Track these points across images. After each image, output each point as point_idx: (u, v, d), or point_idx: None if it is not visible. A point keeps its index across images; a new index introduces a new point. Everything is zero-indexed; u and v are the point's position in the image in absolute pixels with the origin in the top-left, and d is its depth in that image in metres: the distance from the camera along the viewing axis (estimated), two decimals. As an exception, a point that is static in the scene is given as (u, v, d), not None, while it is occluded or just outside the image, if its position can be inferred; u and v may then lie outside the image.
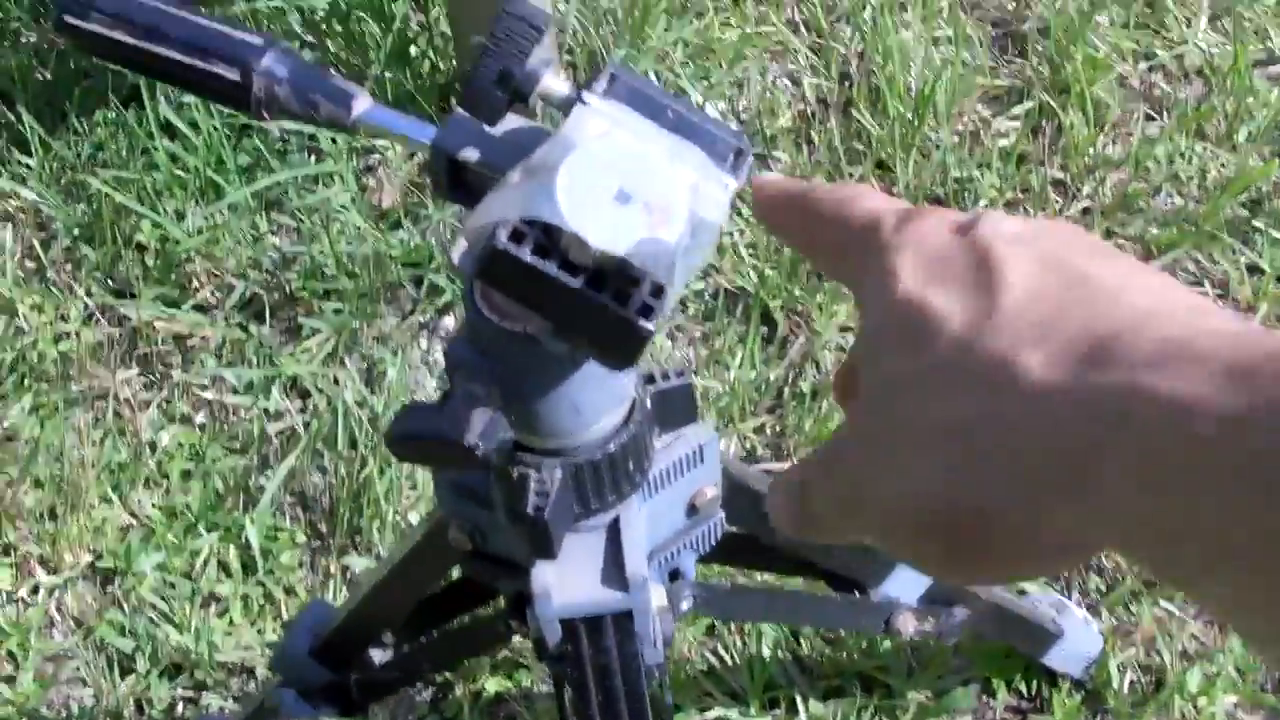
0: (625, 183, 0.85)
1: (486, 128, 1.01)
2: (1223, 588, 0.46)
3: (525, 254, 0.84)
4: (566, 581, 1.20)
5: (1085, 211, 2.73)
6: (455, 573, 1.66)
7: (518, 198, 0.86)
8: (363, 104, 1.08)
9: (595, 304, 0.85)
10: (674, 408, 1.22)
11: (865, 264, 0.62)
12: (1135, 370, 0.48)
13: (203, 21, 1.10)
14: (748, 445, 2.46)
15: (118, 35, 1.09)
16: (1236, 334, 0.47)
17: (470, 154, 1.02)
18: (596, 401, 1.08)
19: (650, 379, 1.20)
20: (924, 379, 0.55)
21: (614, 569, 1.20)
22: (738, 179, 0.92)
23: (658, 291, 0.85)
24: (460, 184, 1.04)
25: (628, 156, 0.87)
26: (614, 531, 1.20)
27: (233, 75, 1.07)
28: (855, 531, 0.61)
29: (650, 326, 0.85)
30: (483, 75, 0.96)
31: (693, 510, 1.31)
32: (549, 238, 0.85)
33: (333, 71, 1.10)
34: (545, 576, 1.20)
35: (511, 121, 1.02)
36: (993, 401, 0.52)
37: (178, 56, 1.08)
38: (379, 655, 1.80)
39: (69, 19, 1.10)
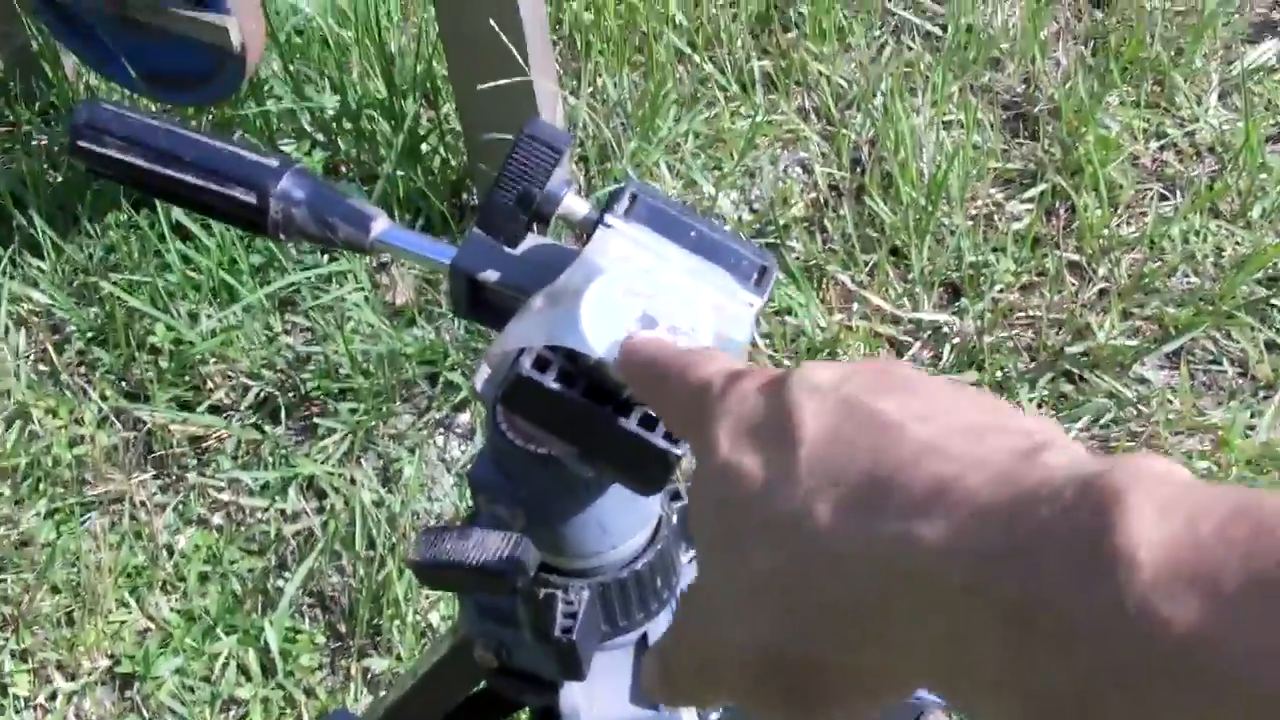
0: (649, 306, 0.84)
1: (506, 248, 1.00)
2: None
3: (550, 381, 0.83)
4: (596, 701, 1.18)
5: (1102, 293, 2.72)
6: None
7: (541, 324, 0.85)
8: (381, 225, 1.07)
9: (622, 431, 0.84)
10: (700, 521, 1.20)
11: (695, 435, 0.63)
12: (907, 517, 0.49)
13: (218, 144, 1.09)
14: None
15: (132, 159, 1.08)
16: (998, 474, 0.48)
17: (490, 275, 1.01)
18: (623, 522, 1.06)
19: (676, 495, 1.18)
20: (739, 538, 0.56)
21: (650, 700, 1.18)
22: (762, 296, 0.91)
23: None
24: (480, 303, 1.03)
25: (651, 280, 0.86)
26: (642, 648, 1.17)
27: (249, 199, 1.06)
28: (712, 692, 0.63)
29: (678, 452, 0.84)
30: (502, 197, 0.95)
31: (720, 623, 1.29)
32: (574, 364, 0.83)
33: (351, 193, 1.09)
34: (574, 696, 1.18)
35: (530, 239, 1.00)
36: (794, 554, 0.53)
37: (193, 180, 1.07)
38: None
39: (83, 144, 1.09)
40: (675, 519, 1.15)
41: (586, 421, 0.84)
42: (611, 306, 0.83)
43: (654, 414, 0.83)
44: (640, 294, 0.84)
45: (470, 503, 1.05)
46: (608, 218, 0.91)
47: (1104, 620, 0.41)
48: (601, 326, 0.82)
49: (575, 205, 0.96)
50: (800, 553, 0.53)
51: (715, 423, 0.61)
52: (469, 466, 1.07)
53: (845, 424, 0.55)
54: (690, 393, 0.66)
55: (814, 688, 0.55)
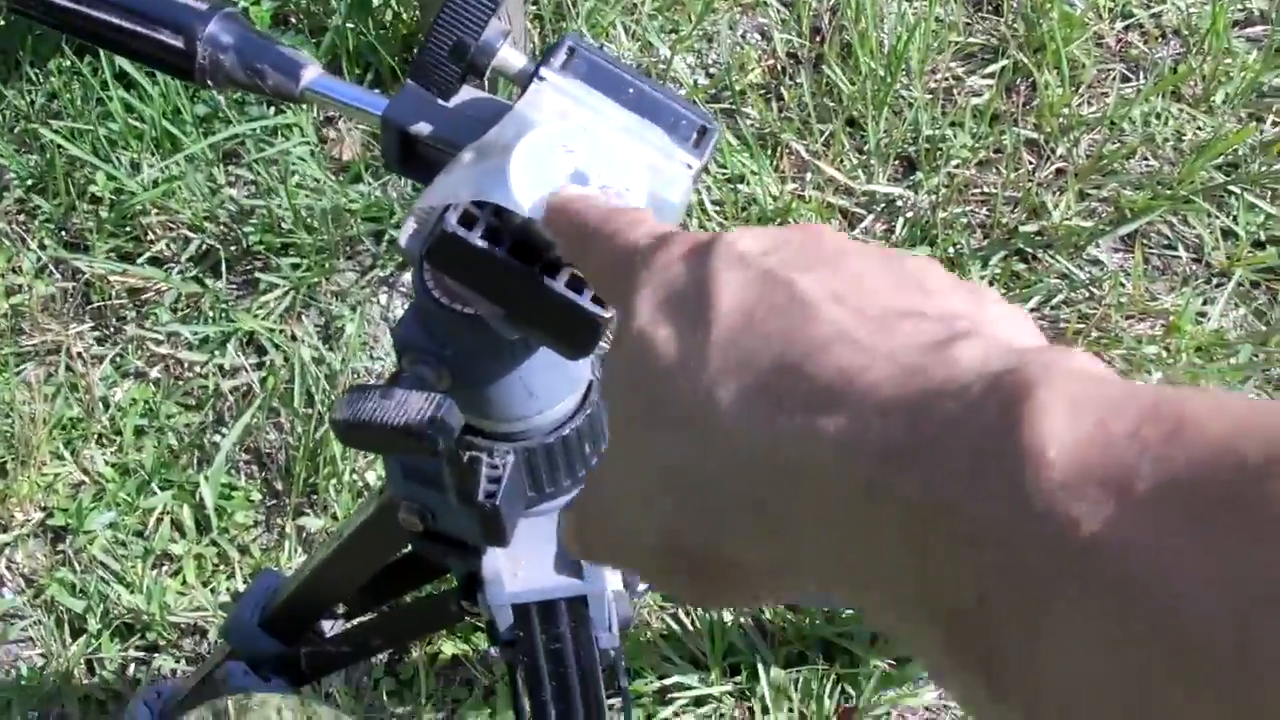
0: (581, 163, 0.80)
1: (440, 100, 0.96)
2: (906, 631, 0.45)
3: (476, 238, 0.80)
4: (519, 567, 1.17)
5: (1059, 173, 2.69)
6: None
7: (469, 178, 0.81)
8: (311, 74, 1.03)
9: (549, 292, 0.81)
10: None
11: (617, 300, 0.61)
12: (810, 410, 0.47)
13: None
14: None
15: (60, 0, 1.04)
16: (906, 367, 0.45)
17: (422, 128, 0.97)
18: (550, 386, 1.04)
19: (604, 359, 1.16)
20: (646, 416, 0.54)
21: (568, 554, 1.17)
22: (701, 158, 0.88)
23: None
24: (412, 157, 1.00)
25: (585, 137, 0.83)
26: (570, 515, 1.16)
27: (176, 42, 1.02)
28: (622, 561, 0.62)
29: (607, 315, 0.81)
30: (436, 46, 0.91)
31: (650, 491, 1.28)
32: (501, 221, 0.80)
33: (281, 40, 1.05)
34: (497, 562, 1.16)
35: (466, 94, 0.97)
36: (694, 441, 0.51)
37: (119, 22, 1.03)
38: (330, 626, 1.77)
39: (6, -19, 1.05)
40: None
41: (512, 281, 0.81)
42: (542, 162, 0.80)
43: (581, 275, 0.80)
44: (573, 150, 0.81)
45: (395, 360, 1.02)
46: (543, 70, 0.88)
47: (1008, 521, 0.39)
48: (530, 182, 0.79)
49: (511, 58, 0.93)
50: (701, 442, 0.51)
51: (637, 289, 0.58)
52: (395, 324, 1.04)
53: (761, 301, 0.52)
54: (615, 255, 0.63)
55: (714, 574, 0.54)
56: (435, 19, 0.91)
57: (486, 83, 0.96)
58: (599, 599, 1.20)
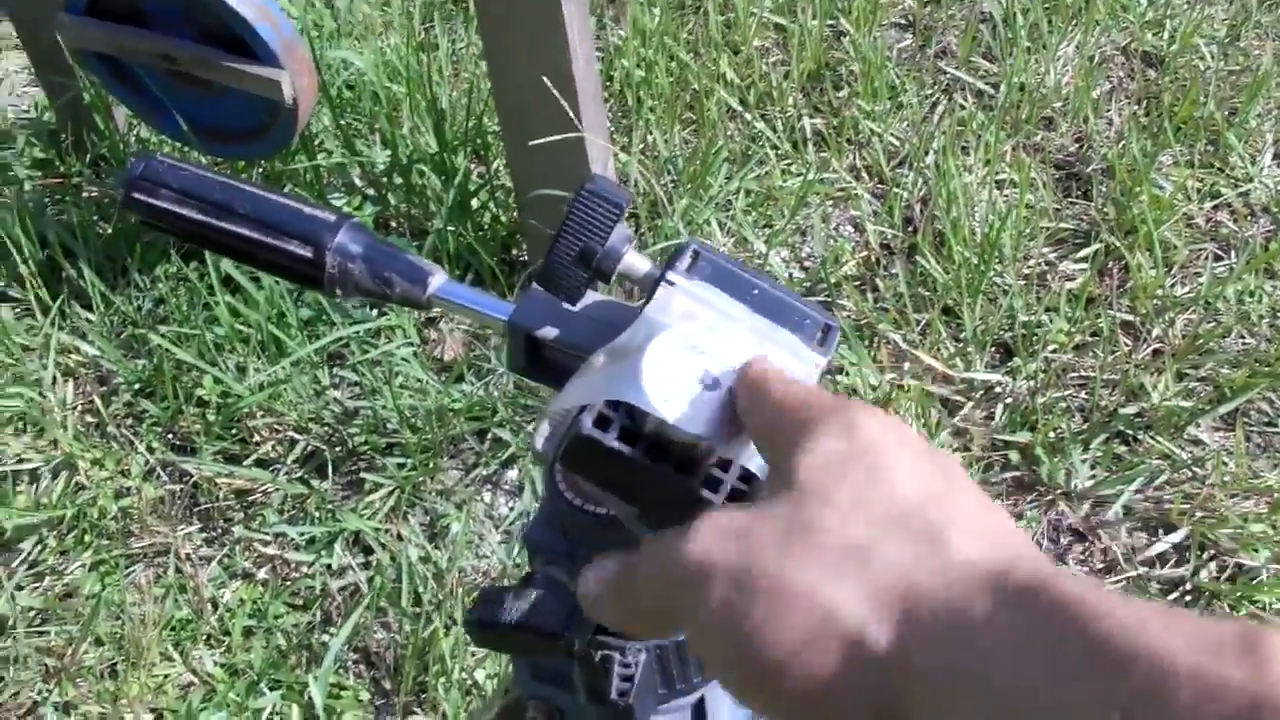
0: (711, 365, 0.82)
1: (565, 305, 0.98)
2: None
3: (611, 439, 0.81)
4: (650, 763, 1.17)
5: (1156, 354, 2.69)
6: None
7: (602, 381, 0.83)
8: (438, 281, 1.05)
9: (684, 491, 0.82)
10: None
11: (776, 453, 0.70)
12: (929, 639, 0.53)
13: (274, 197, 1.07)
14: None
15: (187, 212, 1.07)
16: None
17: (549, 332, 0.99)
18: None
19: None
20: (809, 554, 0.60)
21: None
22: (826, 356, 0.89)
23: (747, 477, 0.82)
24: (538, 361, 1.02)
25: (714, 338, 0.84)
26: (699, 711, 1.16)
27: (306, 253, 1.05)
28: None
29: None
30: (562, 254, 0.93)
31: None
32: (635, 422, 0.82)
33: (406, 248, 1.07)
34: (628, 759, 1.16)
35: (590, 296, 0.99)
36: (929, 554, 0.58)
37: (249, 233, 1.06)
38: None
39: (137, 195, 1.08)
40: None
41: (647, 481, 0.82)
42: (673, 364, 0.81)
43: (718, 472, 0.81)
44: (703, 352, 0.82)
45: (527, 564, 1.03)
46: (670, 275, 0.90)
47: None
48: (663, 384, 0.80)
49: (636, 262, 0.95)
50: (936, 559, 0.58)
51: (798, 448, 0.67)
52: (524, 527, 1.05)
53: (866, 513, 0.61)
54: (783, 413, 0.72)
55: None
56: (561, 226, 0.93)
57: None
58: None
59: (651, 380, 0.80)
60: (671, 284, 0.89)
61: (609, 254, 0.94)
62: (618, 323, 0.90)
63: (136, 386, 2.79)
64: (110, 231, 3.01)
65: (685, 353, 0.82)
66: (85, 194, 3.15)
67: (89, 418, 2.79)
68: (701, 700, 1.15)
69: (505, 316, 1.01)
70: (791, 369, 0.87)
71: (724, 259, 0.91)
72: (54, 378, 2.82)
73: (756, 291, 0.90)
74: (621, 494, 0.86)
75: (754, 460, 0.81)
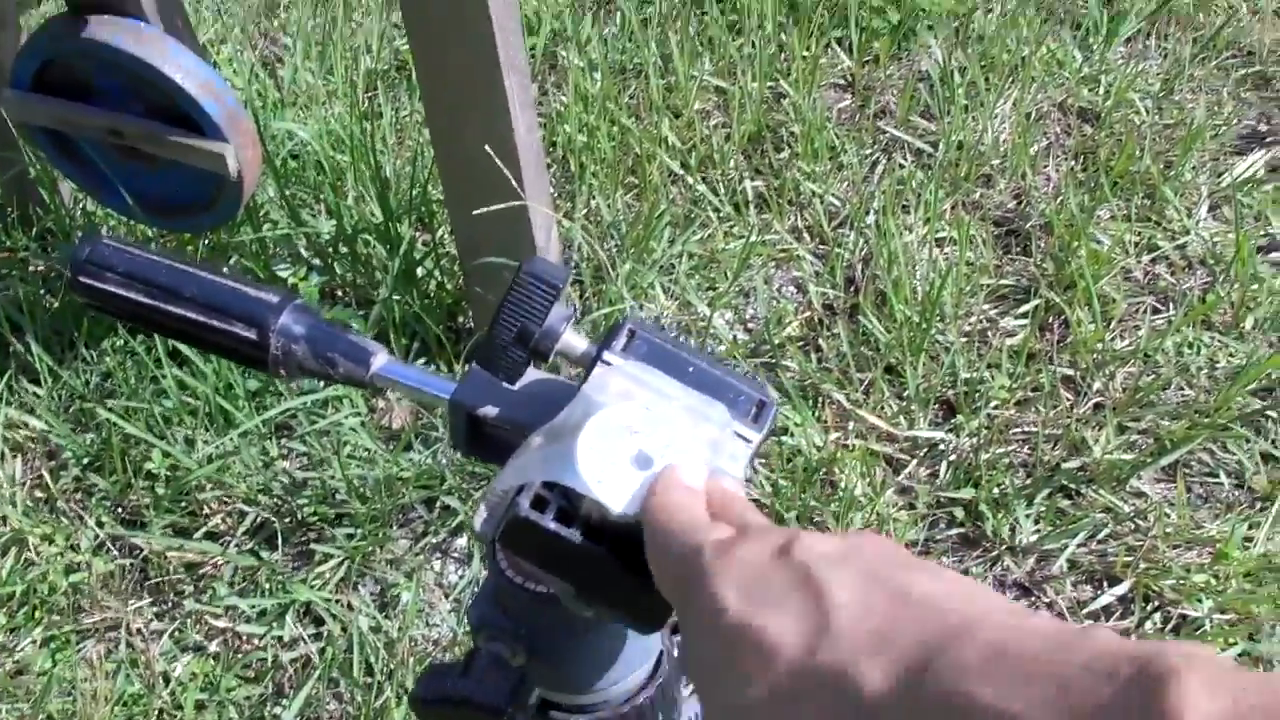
0: (644, 444, 0.83)
1: (505, 384, 1.00)
2: None
3: (548, 521, 0.83)
4: (596, 834, 1.18)
5: (1097, 408, 2.72)
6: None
7: (538, 461, 0.85)
8: (380, 360, 1.07)
9: (619, 573, 0.84)
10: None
11: (687, 593, 0.69)
12: (959, 679, 0.54)
13: (218, 280, 1.09)
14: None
15: (133, 295, 1.08)
16: (1055, 642, 0.53)
17: (489, 410, 1.01)
18: (625, 659, 1.06)
19: (676, 629, 1.18)
20: (771, 700, 0.61)
21: None
22: (760, 432, 0.91)
23: None
24: (479, 438, 1.03)
25: (648, 417, 0.86)
26: (644, 781, 1.17)
27: (250, 334, 1.06)
28: None
29: None
30: (501, 334, 0.95)
31: (722, 751, 1.29)
32: (571, 503, 0.83)
33: (350, 327, 1.09)
34: (575, 830, 1.17)
35: (530, 374, 1.00)
36: (839, 709, 0.58)
37: (194, 316, 1.07)
38: None
39: (84, 279, 1.09)
40: (676, 652, 1.15)
41: (584, 562, 0.84)
42: (607, 444, 0.83)
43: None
44: (637, 431, 0.84)
45: (470, 639, 1.04)
46: (606, 354, 0.91)
47: None
48: (598, 465, 0.82)
49: (574, 341, 0.97)
50: (848, 707, 0.57)
51: (714, 580, 0.66)
52: (469, 604, 1.06)
53: (876, 593, 0.61)
54: (683, 552, 0.71)
55: None
56: (500, 308, 0.94)
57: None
58: None
59: (586, 462, 0.82)
60: (608, 363, 0.91)
61: (547, 334, 0.95)
62: (557, 400, 0.91)
63: (85, 461, 2.79)
64: (57, 305, 3.01)
65: (620, 433, 0.84)
66: (31, 268, 3.15)
67: (38, 493, 2.78)
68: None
69: (447, 395, 1.03)
70: (723, 444, 0.89)
71: (660, 336, 0.93)
72: (1, 453, 2.81)
73: (692, 369, 0.92)
74: (559, 573, 0.87)
75: None
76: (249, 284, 1.09)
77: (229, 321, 1.07)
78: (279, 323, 1.06)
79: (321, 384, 2.77)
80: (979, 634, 0.55)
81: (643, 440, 0.84)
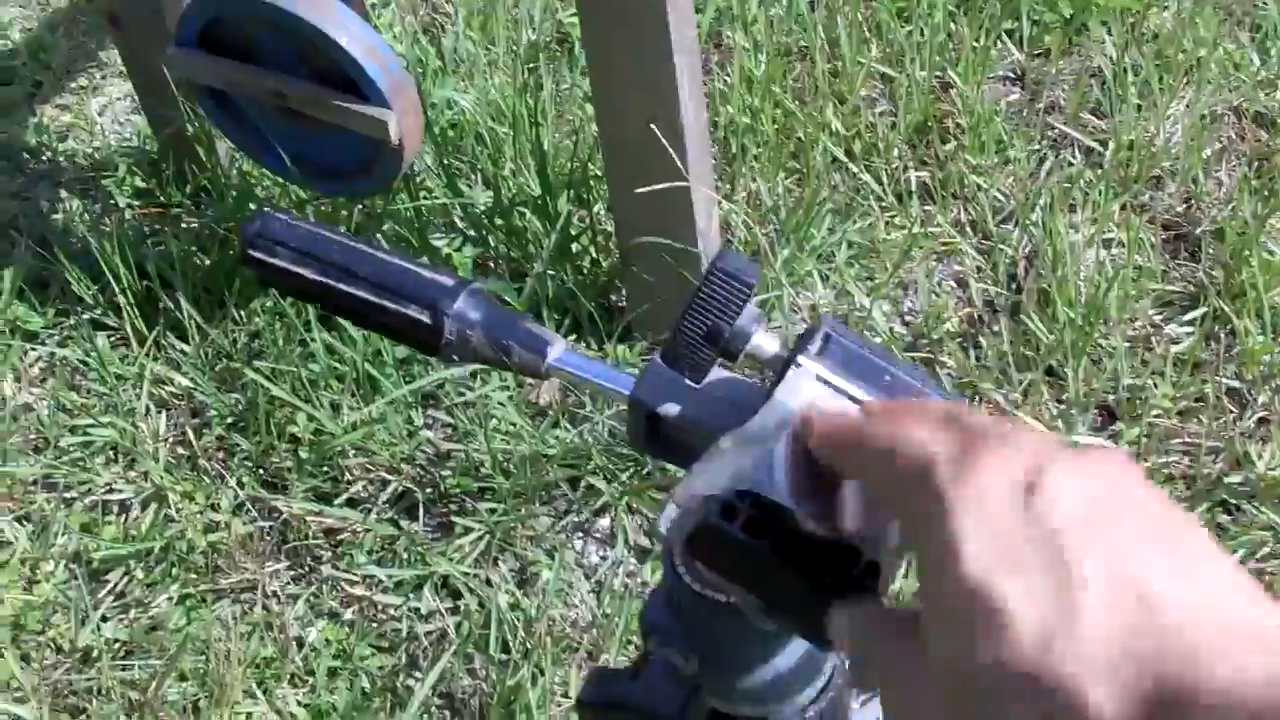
0: None
1: (688, 381, 0.96)
2: None
3: (737, 531, 0.79)
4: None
5: (1262, 421, 2.65)
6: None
7: (732, 468, 0.81)
8: (557, 350, 1.03)
9: (808, 587, 0.80)
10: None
11: (919, 523, 0.62)
12: None
13: (393, 259, 1.06)
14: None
15: (304, 271, 1.06)
16: None
17: (671, 409, 0.97)
18: (799, 674, 1.02)
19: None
20: (997, 680, 0.55)
21: None
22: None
23: (874, 571, 0.80)
24: (658, 436, 0.99)
25: None
26: (813, 792, 1.14)
27: (424, 318, 1.03)
28: None
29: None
30: (689, 331, 0.91)
31: (889, 768, 1.26)
32: (761, 512, 0.79)
33: (525, 315, 1.06)
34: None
35: (713, 373, 0.97)
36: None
37: (366, 296, 1.05)
38: None
39: (256, 254, 1.07)
40: (847, 664, 1.11)
41: (773, 576, 0.80)
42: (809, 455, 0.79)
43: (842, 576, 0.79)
44: None
45: (642, 644, 1.02)
46: (800, 359, 0.87)
47: None
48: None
49: (765, 343, 0.93)
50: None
51: (952, 520, 0.59)
52: (642, 606, 1.03)
53: (1124, 594, 0.55)
54: (908, 467, 0.64)
55: None
56: (690, 302, 0.91)
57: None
58: None
59: (784, 471, 0.79)
60: (801, 367, 0.87)
61: (738, 333, 0.92)
62: (744, 403, 0.88)
63: (229, 420, 2.79)
64: (208, 264, 3.01)
65: None
66: (184, 225, 3.16)
67: (180, 450, 2.80)
68: (814, 782, 1.12)
69: (626, 390, 0.99)
70: None
71: (856, 342, 0.89)
72: (147, 408, 2.83)
73: (888, 378, 0.88)
74: (745, 585, 0.84)
75: (881, 554, 0.79)
76: (424, 266, 1.06)
77: (403, 303, 1.04)
78: (455, 307, 1.03)
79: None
80: (1218, 672, 0.51)
81: None
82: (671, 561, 0.95)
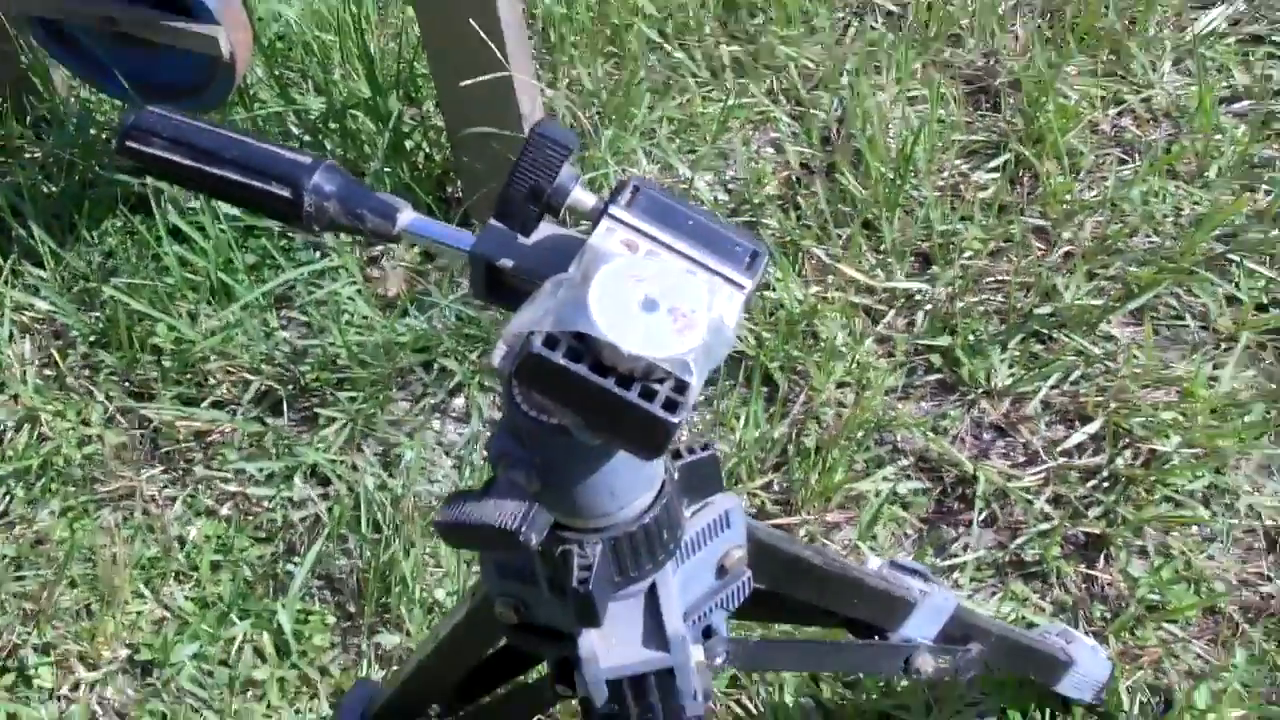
0: (650, 290, 0.94)
1: (520, 237, 1.09)
2: None
3: (558, 358, 0.93)
4: (611, 645, 1.27)
5: (1067, 256, 2.81)
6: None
7: (552, 307, 0.95)
8: (406, 216, 1.17)
9: (624, 401, 0.94)
10: (701, 478, 1.30)
11: None
12: None
13: (255, 143, 1.19)
14: (756, 503, 2.53)
15: (178, 158, 1.18)
16: None
17: (506, 262, 1.10)
18: (630, 484, 1.16)
19: (677, 454, 1.28)
20: None
21: (654, 630, 1.28)
22: (753, 280, 1.02)
23: (681, 388, 0.94)
24: (497, 287, 1.13)
25: (652, 266, 0.96)
26: (652, 596, 1.27)
27: (285, 193, 1.16)
28: None
29: (675, 420, 0.94)
30: (516, 190, 1.04)
31: (722, 571, 1.39)
32: (581, 342, 0.93)
33: (375, 187, 1.19)
34: (591, 642, 1.27)
35: (543, 228, 1.10)
36: None
37: (234, 176, 1.17)
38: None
39: (132, 144, 1.19)
40: (677, 476, 1.25)
41: (591, 393, 0.94)
42: (616, 291, 0.93)
43: (655, 385, 0.92)
44: (642, 280, 0.94)
45: (491, 469, 1.14)
46: (612, 209, 1.02)
47: None
48: (607, 310, 0.92)
49: (583, 197, 1.06)
50: None
51: None
52: (488, 439, 1.16)
53: None
54: None
55: None
56: (515, 165, 1.04)
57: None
58: (684, 671, 1.30)
59: (597, 306, 0.92)
60: (614, 217, 1.01)
61: (558, 190, 1.05)
62: (568, 252, 1.02)
63: (92, 338, 2.87)
64: (56, 190, 3.08)
65: (627, 281, 0.94)
66: (28, 155, 3.22)
67: (47, 371, 2.87)
68: (653, 585, 1.26)
69: (467, 247, 1.12)
70: (719, 290, 0.99)
71: (661, 193, 1.03)
72: (10, 334, 2.90)
73: (691, 222, 1.02)
74: (569, 405, 0.98)
75: (687, 372, 0.93)
76: (284, 147, 1.19)
77: (266, 181, 1.17)
78: (312, 182, 1.16)
79: (318, 254, 2.86)
80: None
81: (648, 286, 0.94)
82: (510, 392, 1.08)
